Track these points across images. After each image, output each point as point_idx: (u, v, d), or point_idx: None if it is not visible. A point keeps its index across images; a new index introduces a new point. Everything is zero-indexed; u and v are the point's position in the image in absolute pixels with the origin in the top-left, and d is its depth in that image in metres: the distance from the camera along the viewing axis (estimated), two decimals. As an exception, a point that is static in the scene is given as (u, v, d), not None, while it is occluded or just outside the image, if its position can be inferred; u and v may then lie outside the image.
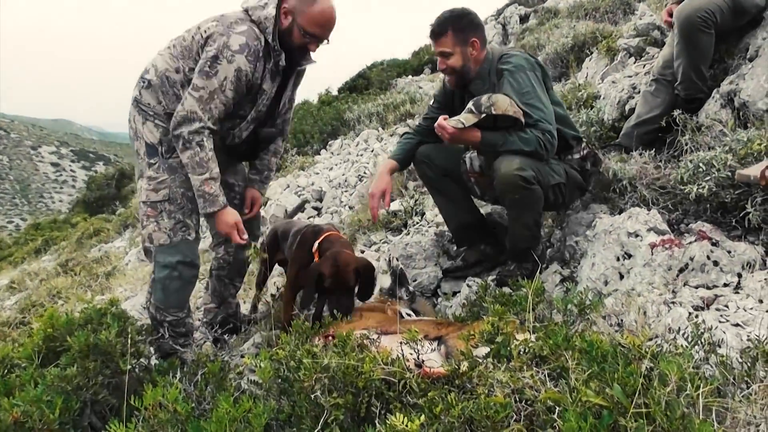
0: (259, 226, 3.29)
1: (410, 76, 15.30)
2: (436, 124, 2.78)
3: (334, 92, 15.96)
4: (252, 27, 2.58)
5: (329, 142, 9.60)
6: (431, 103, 3.33)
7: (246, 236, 2.75)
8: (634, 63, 4.70)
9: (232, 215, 2.67)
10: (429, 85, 11.96)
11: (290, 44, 2.66)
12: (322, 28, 2.63)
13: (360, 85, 15.73)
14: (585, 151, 3.02)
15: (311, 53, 2.76)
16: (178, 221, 2.69)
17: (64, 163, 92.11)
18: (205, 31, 2.57)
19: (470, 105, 2.72)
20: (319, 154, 9.06)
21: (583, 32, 6.43)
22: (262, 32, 2.59)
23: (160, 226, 2.67)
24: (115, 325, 2.05)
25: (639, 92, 3.80)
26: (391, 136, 7.81)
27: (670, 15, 3.49)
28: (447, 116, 2.76)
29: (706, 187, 2.56)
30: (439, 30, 2.88)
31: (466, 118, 2.69)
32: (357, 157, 7.32)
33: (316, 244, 2.77)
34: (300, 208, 5.81)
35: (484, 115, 2.65)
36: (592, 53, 5.85)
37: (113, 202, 17.51)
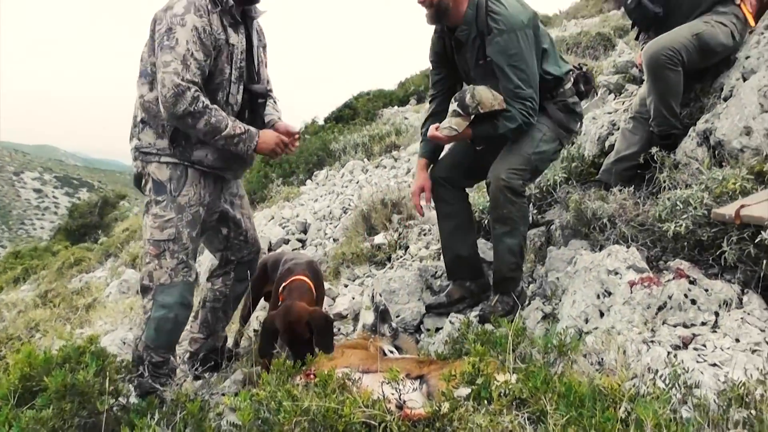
0: (257, 261, 3.26)
1: (396, 107, 15.48)
2: (429, 135, 2.94)
3: (321, 122, 16.07)
4: None
5: (315, 173, 9.63)
6: (431, 69, 3.36)
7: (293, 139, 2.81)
8: (614, 99, 4.81)
9: (269, 133, 2.71)
10: (414, 116, 12.08)
11: None
12: None
13: (346, 115, 15.84)
14: (574, 75, 3.09)
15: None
16: (181, 261, 2.66)
17: (47, 189, 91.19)
18: (151, 23, 2.57)
19: (456, 107, 2.83)
20: (305, 185, 9.08)
21: (565, 68, 6.56)
22: None
23: (161, 265, 2.64)
24: (94, 365, 2.03)
25: (618, 129, 3.88)
26: (376, 167, 7.87)
27: None
28: (437, 125, 2.90)
29: (683, 225, 2.61)
30: None
31: (457, 123, 2.81)
32: (342, 188, 7.35)
33: (281, 288, 2.77)
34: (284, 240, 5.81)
35: (473, 116, 2.79)
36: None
37: (96, 230, 17.32)
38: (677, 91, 3.22)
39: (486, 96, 2.76)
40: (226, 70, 2.65)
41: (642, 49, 3.77)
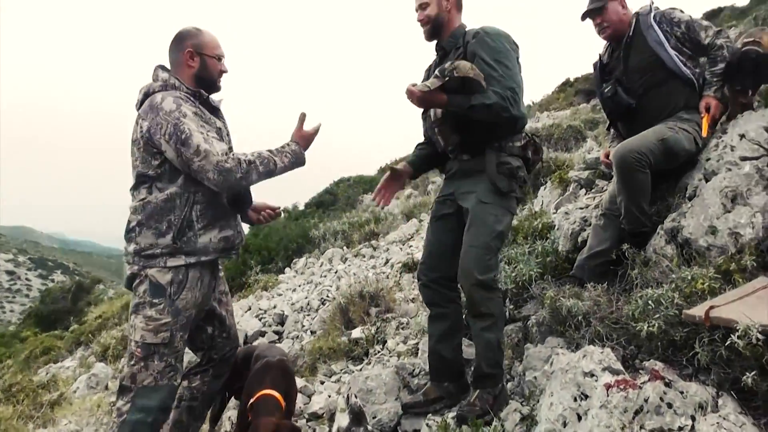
0: (234, 356, 3.19)
1: (376, 193, 15.70)
2: (405, 90, 2.90)
3: (301, 207, 16.24)
4: (163, 91, 2.67)
5: (294, 260, 9.61)
6: None
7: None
8: (585, 195, 4.96)
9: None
10: (394, 203, 12.26)
11: (211, 79, 2.81)
12: (220, 46, 2.84)
13: (327, 201, 16.07)
14: (525, 140, 3.09)
15: (220, 86, 2.89)
16: (169, 365, 2.60)
17: (20, 271, 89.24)
18: (143, 132, 2.62)
19: (436, 72, 2.88)
20: (284, 273, 9.03)
21: (538, 160, 6.80)
22: (174, 89, 2.68)
23: (148, 367, 2.56)
24: (53, 481, 1.93)
25: (590, 224, 3.99)
26: (356, 256, 7.89)
27: (607, 156, 3.80)
28: (414, 83, 2.89)
29: (656, 325, 2.63)
30: None
31: (431, 83, 2.83)
32: (321, 278, 7.32)
33: (249, 403, 2.70)
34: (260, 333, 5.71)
35: (447, 78, 2.80)
36: (546, 182, 6.16)
37: (68, 316, 16.87)
38: (645, 191, 3.35)
39: (464, 64, 2.81)
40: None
41: (610, 145, 3.95)
